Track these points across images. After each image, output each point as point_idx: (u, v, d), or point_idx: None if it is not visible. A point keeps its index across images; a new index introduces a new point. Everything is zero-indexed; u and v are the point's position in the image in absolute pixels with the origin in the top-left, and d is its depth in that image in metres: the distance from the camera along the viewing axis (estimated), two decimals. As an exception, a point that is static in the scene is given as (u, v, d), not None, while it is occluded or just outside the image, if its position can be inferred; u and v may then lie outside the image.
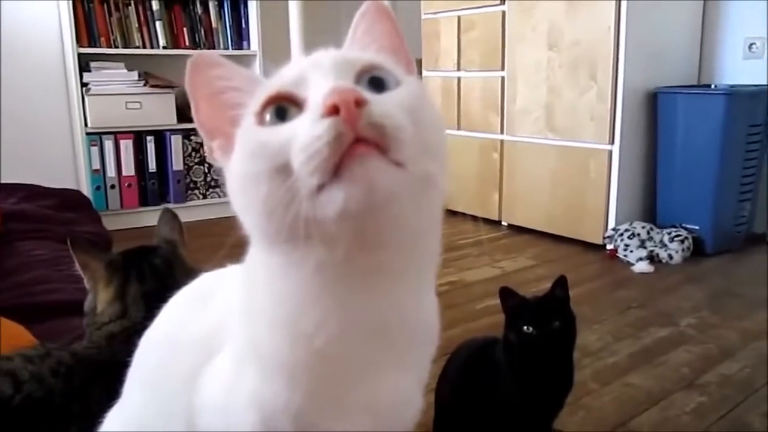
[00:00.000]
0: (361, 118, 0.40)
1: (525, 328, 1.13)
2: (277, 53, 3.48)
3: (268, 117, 0.45)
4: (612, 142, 2.67)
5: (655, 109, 2.74)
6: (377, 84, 0.46)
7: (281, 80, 0.47)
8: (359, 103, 0.41)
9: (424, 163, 0.43)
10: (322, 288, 0.46)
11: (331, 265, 0.44)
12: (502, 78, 3.08)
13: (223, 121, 0.50)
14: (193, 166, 3.36)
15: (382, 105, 0.42)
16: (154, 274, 0.96)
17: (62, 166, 3.30)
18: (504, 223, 3.21)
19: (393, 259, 0.46)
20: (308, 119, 0.42)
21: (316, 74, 0.45)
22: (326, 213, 0.41)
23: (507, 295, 1.19)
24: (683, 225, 2.67)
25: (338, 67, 0.46)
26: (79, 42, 3.04)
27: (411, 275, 0.49)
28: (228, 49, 3.47)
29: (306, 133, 0.41)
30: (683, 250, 2.57)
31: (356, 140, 0.40)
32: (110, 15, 3.15)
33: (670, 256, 2.56)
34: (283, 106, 0.45)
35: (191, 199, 3.36)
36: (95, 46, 3.11)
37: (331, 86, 0.42)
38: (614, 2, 2.56)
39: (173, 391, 0.56)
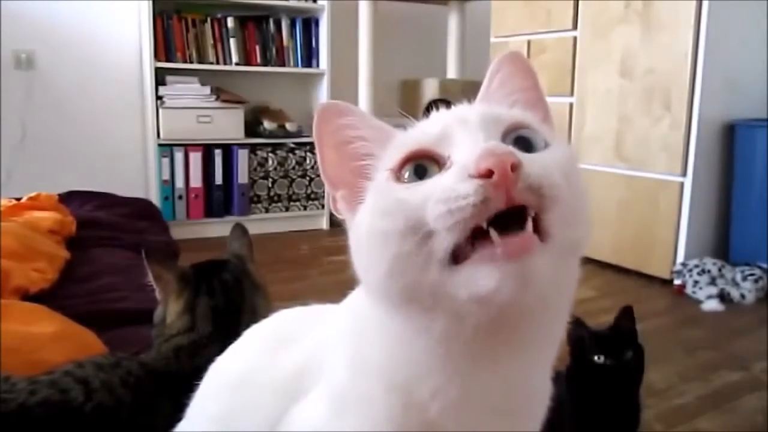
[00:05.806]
0: (518, 182, 0.38)
1: (596, 358, 1.09)
2: (345, 72, 3.53)
3: (406, 174, 0.43)
4: (684, 174, 2.58)
5: (732, 141, 2.64)
6: (524, 144, 0.43)
7: (423, 137, 0.45)
8: (514, 168, 0.38)
9: (572, 229, 0.41)
10: (444, 358, 0.44)
11: (456, 337, 0.42)
12: (571, 104, 3.03)
13: (349, 172, 0.48)
14: (257, 180, 3.42)
15: (537, 164, 0.40)
16: (223, 289, 0.96)
17: (134, 175, 3.44)
18: (566, 251, 3.13)
19: (525, 336, 0.44)
20: (453, 175, 0.40)
21: (462, 131, 0.43)
22: (463, 291, 0.39)
23: (576, 325, 1.15)
24: (758, 264, 2.55)
25: (486, 125, 0.44)
26: (156, 56, 3.15)
27: (538, 349, 0.46)
28: (297, 67, 3.54)
29: (449, 188, 0.39)
30: (757, 290, 2.45)
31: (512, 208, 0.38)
32: (187, 31, 3.26)
33: (743, 296, 2.45)
34: (422, 164, 0.43)
35: (254, 213, 3.42)
36: (171, 61, 3.22)
37: (483, 147, 0.39)
38: (692, 29, 2.48)
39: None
